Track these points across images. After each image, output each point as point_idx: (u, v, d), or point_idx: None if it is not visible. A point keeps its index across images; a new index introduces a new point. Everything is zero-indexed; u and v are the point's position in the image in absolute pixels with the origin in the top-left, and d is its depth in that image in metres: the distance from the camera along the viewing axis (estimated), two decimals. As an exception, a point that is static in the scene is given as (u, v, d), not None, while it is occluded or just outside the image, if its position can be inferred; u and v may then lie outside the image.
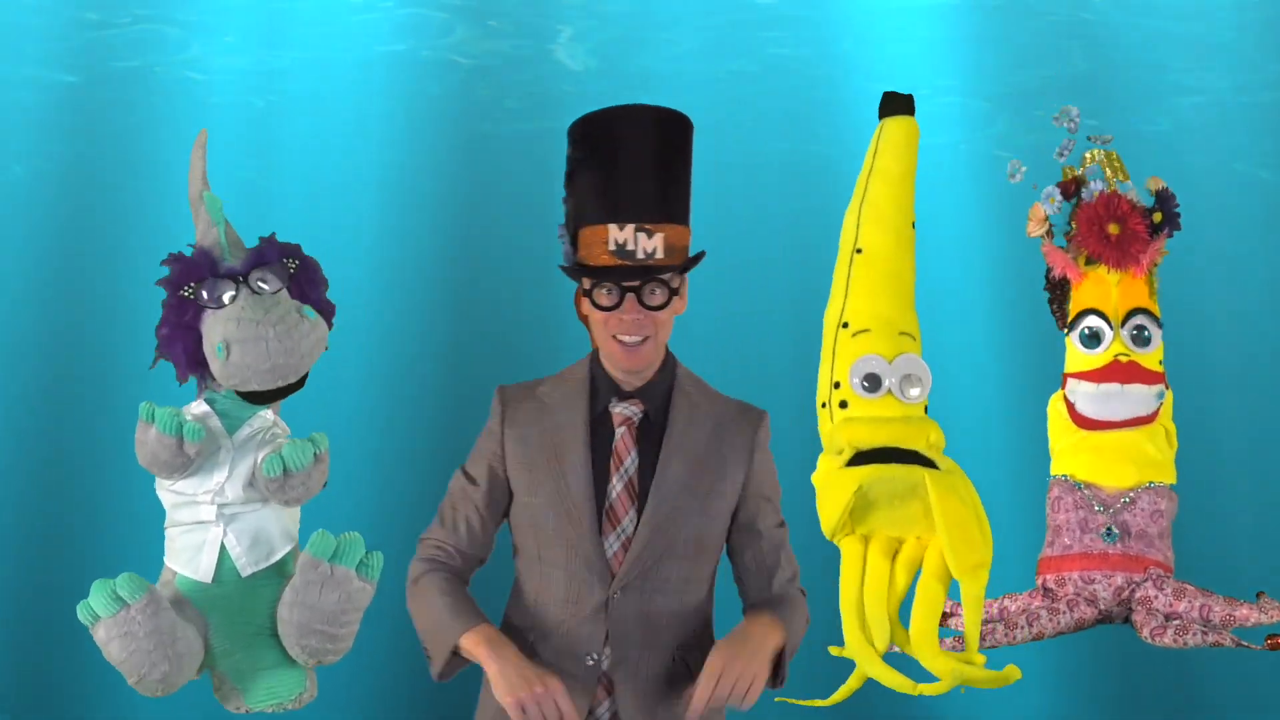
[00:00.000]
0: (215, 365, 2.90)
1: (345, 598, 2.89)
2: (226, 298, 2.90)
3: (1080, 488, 3.35)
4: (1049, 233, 3.38)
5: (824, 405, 3.08)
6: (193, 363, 2.93)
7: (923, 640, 2.88)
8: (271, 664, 2.97)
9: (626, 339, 2.83)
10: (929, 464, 2.92)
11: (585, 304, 2.88)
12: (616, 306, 2.81)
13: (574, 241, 2.88)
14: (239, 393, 2.94)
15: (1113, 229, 3.31)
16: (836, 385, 3.03)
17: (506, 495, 2.91)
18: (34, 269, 7.24)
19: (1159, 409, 3.34)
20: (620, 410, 2.88)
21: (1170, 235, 3.38)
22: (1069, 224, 3.37)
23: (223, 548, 2.94)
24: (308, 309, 2.94)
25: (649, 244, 2.80)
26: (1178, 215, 3.40)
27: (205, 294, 2.90)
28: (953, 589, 2.95)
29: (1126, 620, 3.32)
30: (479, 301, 6.70)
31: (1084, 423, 3.35)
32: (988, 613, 3.35)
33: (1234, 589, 3.28)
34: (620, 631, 2.81)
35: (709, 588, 2.93)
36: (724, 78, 6.83)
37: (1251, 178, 6.90)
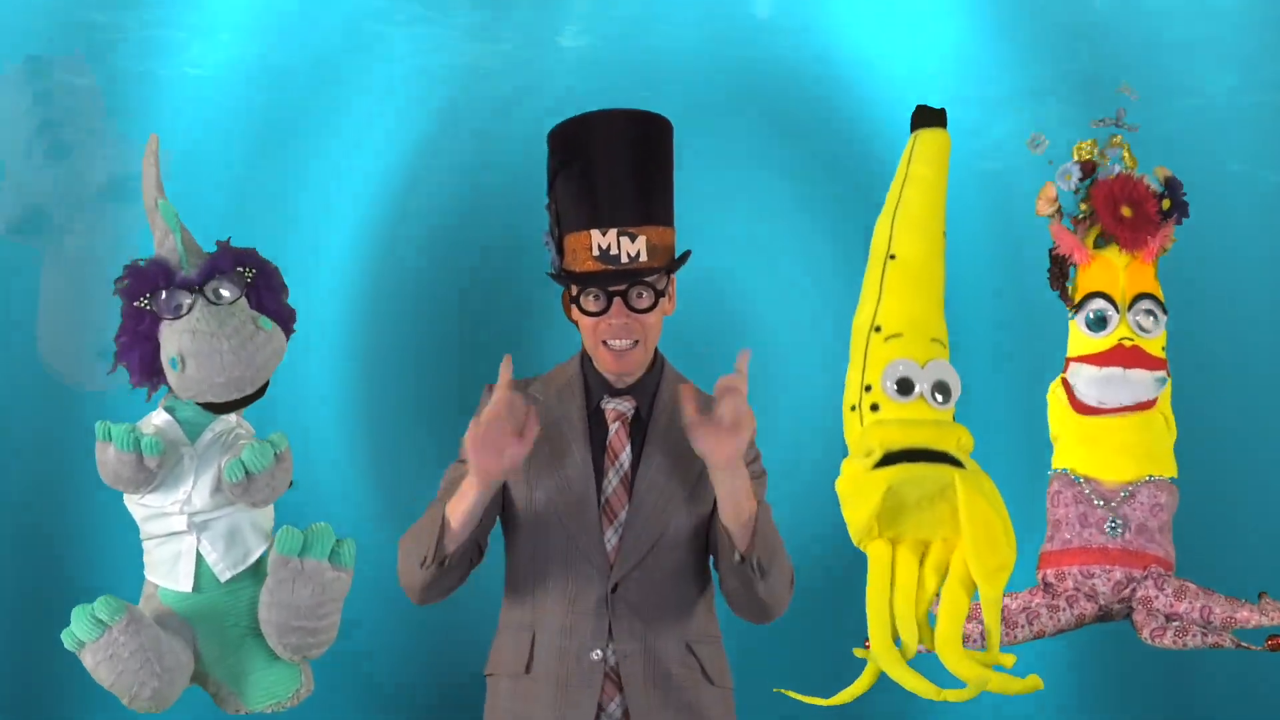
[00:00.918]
0: (171, 377, 2.89)
1: (320, 589, 2.89)
2: (183, 308, 2.89)
3: (1079, 482, 3.35)
4: (1058, 213, 3.39)
5: (853, 408, 3.05)
6: (148, 371, 2.92)
7: (948, 645, 2.87)
8: (263, 664, 2.97)
9: (615, 344, 2.84)
10: (959, 464, 2.91)
11: (572, 312, 2.91)
12: (604, 311, 2.83)
13: (559, 249, 2.89)
14: (198, 403, 2.94)
15: (1126, 211, 3.32)
16: (868, 389, 3.01)
17: (500, 492, 2.91)
18: (30, 266, 7.21)
19: (1159, 395, 3.35)
20: (613, 406, 2.91)
21: (1179, 222, 3.39)
22: (1078, 207, 3.38)
23: (199, 556, 2.94)
24: (264, 320, 2.93)
25: (632, 247, 2.82)
26: (1186, 204, 3.41)
27: (161, 305, 2.89)
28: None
29: (1126, 618, 3.32)
30: (482, 301, 6.69)
31: (1083, 409, 3.35)
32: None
33: (1235, 585, 3.28)
34: (623, 626, 2.82)
35: (710, 578, 2.95)
36: (727, 77, 6.82)
37: (1253, 178, 6.90)
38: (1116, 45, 6.85)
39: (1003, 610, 3.35)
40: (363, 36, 6.84)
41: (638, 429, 2.92)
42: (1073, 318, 3.38)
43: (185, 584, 2.94)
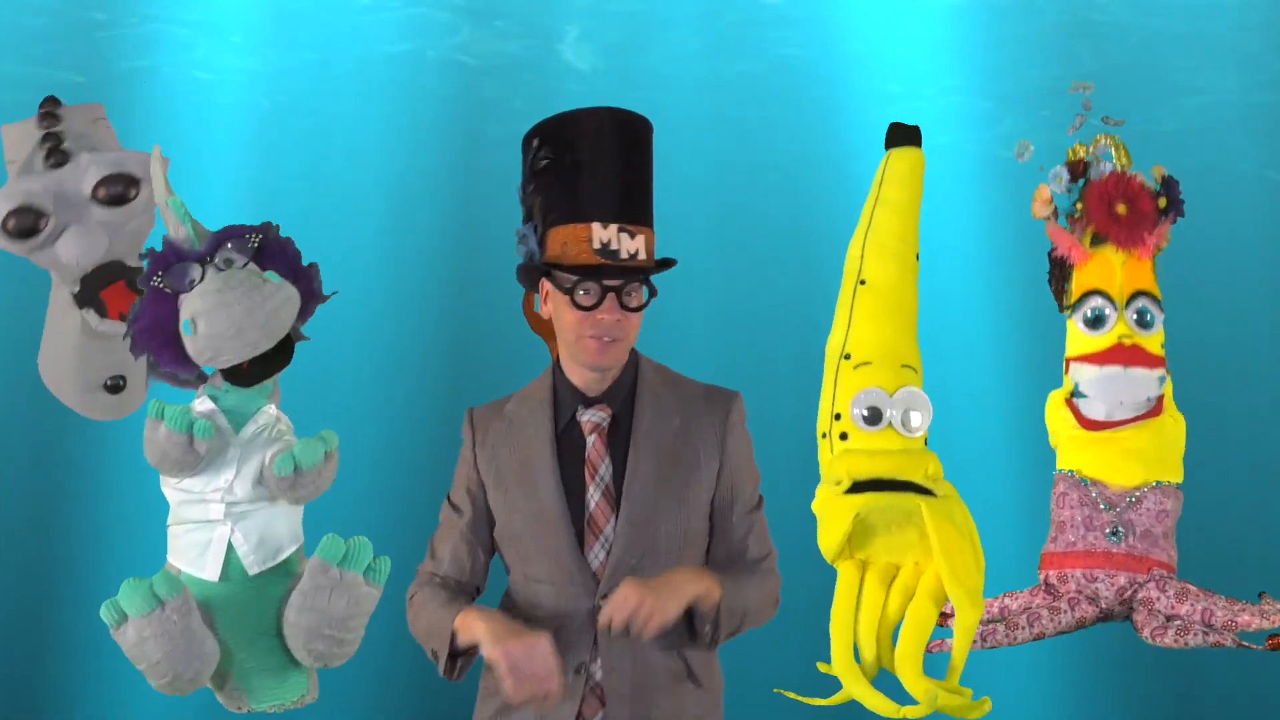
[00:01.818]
0: (188, 343, 2.88)
1: (353, 602, 2.89)
2: (195, 280, 2.89)
3: (1086, 484, 3.35)
4: (1054, 214, 3.39)
5: (824, 435, 3.09)
6: (171, 346, 2.90)
7: (906, 660, 2.90)
8: (276, 665, 2.97)
9: (603, 337, 2.80)
10: (926, 493, 2.95)
11: (548, 307, 2.84)
12: (595, 307, 2.77)
13: (541, 242, 2.83)
14: (225, 376, 2.93)
15: (1121, 209, 3.33)
16: (837, 417, 3.04)
17: (490, 519, 2.89)
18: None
19: (1161, 398, 3.35)
20: (588, 418, 2.84)
21: (1174, 221, 3.39)
22: (1074, 206, 3.38)
23: (230, 546, 2.94)
24: (271, 274, 2.91)
25: (632, 245, 2.78)
26: (1182, 201, 3.41)
27: (173, 279, 2.90)
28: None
29: (1127, 618, 3.32)
30: (484, 301, 6.70)
31: (1091, 425, 3.35)
32: (988, 612, 3.35)
33: (1235, 585, 3.28)
34: (609, 639, 2.75)
35: None
36: (729, 78, 6.83)
37: (1257, 177, 6.90)
38: (1123, 45, 6.86)
39: (1004, 610, 3.36)
40: (363, 36, 6.86)
41: (617, 437, 2.85)
42: (1069, 317, 3.38)
43: (212, 572, 2.94)
